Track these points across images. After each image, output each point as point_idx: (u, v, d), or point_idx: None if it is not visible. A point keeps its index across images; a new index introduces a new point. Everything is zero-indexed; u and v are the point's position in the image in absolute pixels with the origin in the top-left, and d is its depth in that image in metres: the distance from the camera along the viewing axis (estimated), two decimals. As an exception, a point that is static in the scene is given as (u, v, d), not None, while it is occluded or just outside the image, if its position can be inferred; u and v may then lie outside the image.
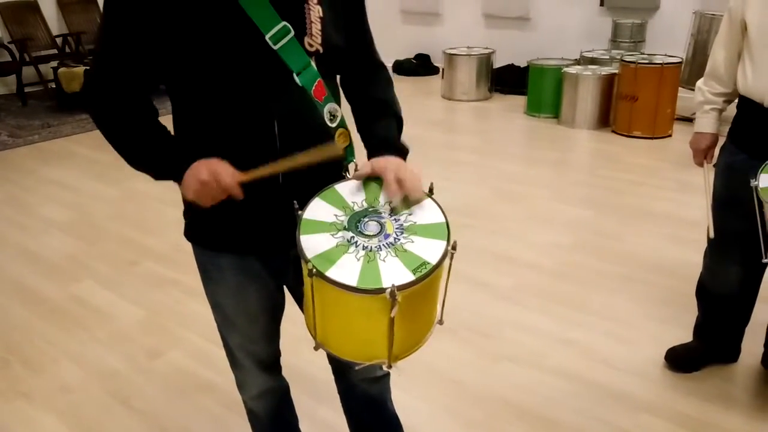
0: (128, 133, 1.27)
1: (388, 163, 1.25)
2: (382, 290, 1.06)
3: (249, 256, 1.38)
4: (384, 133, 1.36)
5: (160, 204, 3.98)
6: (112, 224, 3.81)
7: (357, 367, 1.24)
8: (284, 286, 1.51)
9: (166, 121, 1.32)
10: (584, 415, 2.14)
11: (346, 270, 1.10)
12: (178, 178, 1.25)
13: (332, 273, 1.09)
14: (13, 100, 6.81)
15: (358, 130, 1.42)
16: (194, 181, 1.20)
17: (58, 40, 7.07)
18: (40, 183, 4.57)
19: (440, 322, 1.27)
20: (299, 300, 1.48)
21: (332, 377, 1.66)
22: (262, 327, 1.50)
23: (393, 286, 1.06)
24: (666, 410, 2.16)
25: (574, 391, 2.26)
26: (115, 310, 2.89)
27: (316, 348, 1.24)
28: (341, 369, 1.63)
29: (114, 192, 4.31)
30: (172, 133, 1.33)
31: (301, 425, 1.82)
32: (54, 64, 6.56)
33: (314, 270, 1.10)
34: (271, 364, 1.59)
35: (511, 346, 2.53)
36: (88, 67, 6.12)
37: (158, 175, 1.29)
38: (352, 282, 1.08)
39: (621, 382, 2.30)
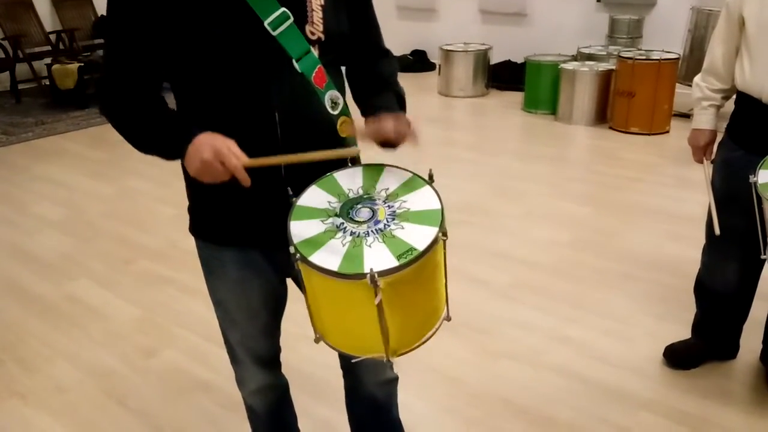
0: (136, 118, 1.26)
1: (387, 116, 1.27)
2: (362, 275, 1.04)
3: (252, 250, 1.37)
4: (384, 103, 1.34)
5: (155, 202, 3.95)
6: (106, 222, 3.79)
7: (353, 360, 1.23)
8: (289, 280, 1.50)
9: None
10: (582, 413, 2.14)
11: (330, 255, 1.09)
12: (182, 155, 1.20)
13: (315, 258, 1.08)
14: (6, 98, 6.76)
15: (356, 102, 1.40)
16: (196, 158, 1.15)
17: (52, 37, 7.01)
18: (33, 181, 4.54)
19: (447, 318, 1.24)
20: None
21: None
22: (262, 323, 1.49)
23: (372, 270, 1.03)
24: (664, 407, 2.15)
25: (572, 388, 2.26)
26: (110, 309, 2.87)
27: (316, 340, 1.22)
28: (350, 366, 1.62)
29: (108, 190, 4.27)
30: None
31: (299, 423, 1.81)
32: (48, 60, 6.53)
33: (297, 255, 1.09)
34: (270, 360, 1.59)
35: (509, 344, 2.52)
36: (82, 64, 6.11)
37: (166, 154, 1.25)
38: (333, 267, 1.07)
39: (619, 379, 2.29)
